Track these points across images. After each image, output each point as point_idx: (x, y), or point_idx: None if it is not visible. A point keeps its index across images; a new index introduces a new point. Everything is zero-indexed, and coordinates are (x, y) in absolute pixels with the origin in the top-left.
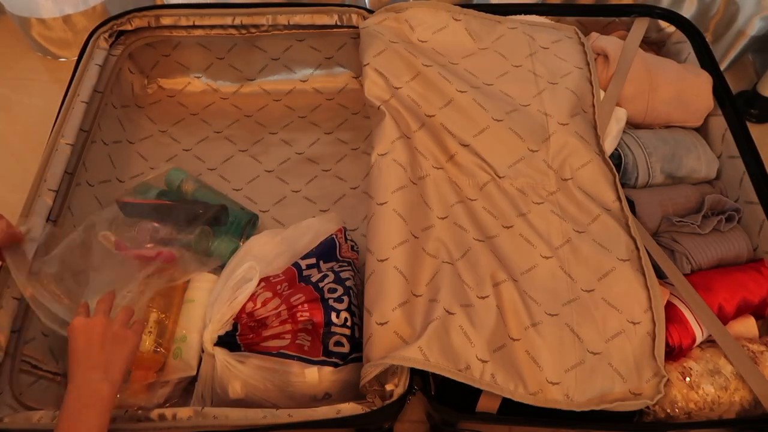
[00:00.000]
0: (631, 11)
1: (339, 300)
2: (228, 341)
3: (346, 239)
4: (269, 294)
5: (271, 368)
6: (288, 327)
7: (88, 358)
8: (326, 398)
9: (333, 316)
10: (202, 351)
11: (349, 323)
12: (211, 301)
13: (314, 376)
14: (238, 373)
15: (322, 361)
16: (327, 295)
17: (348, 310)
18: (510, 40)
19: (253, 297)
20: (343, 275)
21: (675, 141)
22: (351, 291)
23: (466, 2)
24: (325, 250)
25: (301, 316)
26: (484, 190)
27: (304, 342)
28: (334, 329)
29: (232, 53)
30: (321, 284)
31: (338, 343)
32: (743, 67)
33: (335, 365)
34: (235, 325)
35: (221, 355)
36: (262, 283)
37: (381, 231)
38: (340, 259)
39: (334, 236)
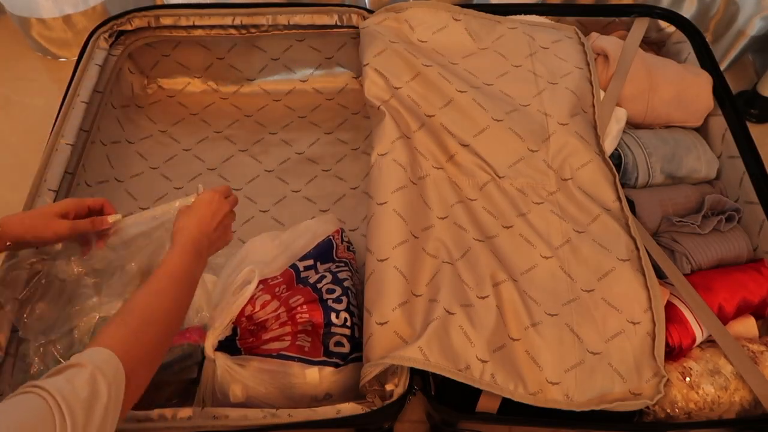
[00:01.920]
0: (631, 11)
1: (338, 300)
2: (228, 346)
3: (342, 240)
4: (268, 297)
5: (271, 370)
6: (287, 329)
7: (205, 228)
8: (327, 398)
9: (333, 316)
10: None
11: (348, 323)
12: (212, 306)
13: (315, 377)
14: (239, 377)
15: (322, 361)
16: (325, 296)
17: (347, 310)
18: (510, 40)
19: (251, 300)
20: (341, 276)
21: (675, 141)
22: (349, 291)
23: (466, 2)
24: (322, 251)
25: (301, 317)
26: (484, 190)
27: (304, 343)
28: (334, 329)
29: (232, 53)
30: (319, 285)
31: (338, 344)
32: (743, 67)
33: (336, 365)
34: (234, 329)
35: (222, 360)
36: (261, 286)
37: (381, 231)
38: (336, 259)
39: (332, 237)
